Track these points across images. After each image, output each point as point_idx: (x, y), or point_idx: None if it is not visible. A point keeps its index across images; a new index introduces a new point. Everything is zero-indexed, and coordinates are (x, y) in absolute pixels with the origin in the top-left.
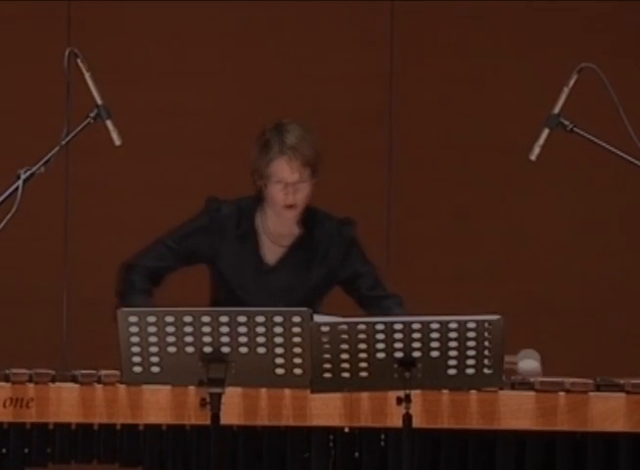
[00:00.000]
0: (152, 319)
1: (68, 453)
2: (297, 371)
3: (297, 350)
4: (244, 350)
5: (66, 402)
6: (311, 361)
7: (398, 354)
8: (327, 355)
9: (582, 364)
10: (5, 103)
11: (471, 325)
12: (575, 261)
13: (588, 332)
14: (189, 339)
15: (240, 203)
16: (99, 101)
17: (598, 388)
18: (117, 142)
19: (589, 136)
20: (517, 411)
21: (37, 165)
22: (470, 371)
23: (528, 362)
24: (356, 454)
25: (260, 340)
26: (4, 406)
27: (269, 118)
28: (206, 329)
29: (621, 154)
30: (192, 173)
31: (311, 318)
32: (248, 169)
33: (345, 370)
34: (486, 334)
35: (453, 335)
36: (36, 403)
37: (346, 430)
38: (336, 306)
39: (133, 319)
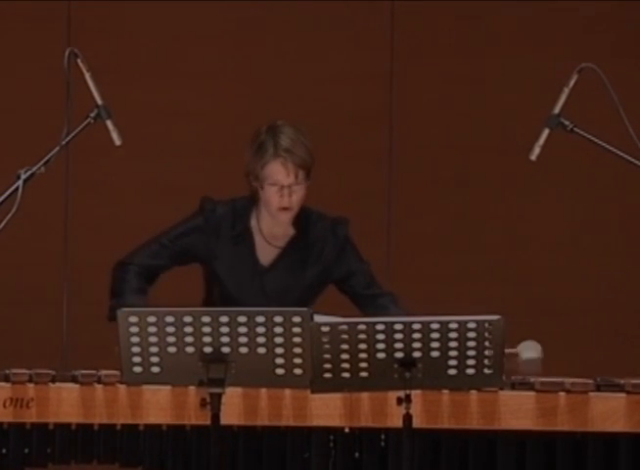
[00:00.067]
0: (152, 319)
1: (68, 454)
2: (298, 371)
3: (298, 350)
4: (244, 350)
5: (66, 403)
6: (311, 361)
7: (399, 355)
8: (327, 356)
9: (582, 364)
10: (5, 103)
11: (471, 325)
12: (575, 261)
13: (588, 332)
14: (189, 339)
15: (235, 203)
16: (99, 101)
17: (598, 388)
18: (117, 142)
19: (589, 136)
20: (517, 411)
21: (37, 165)
22: (470, 371)
23: (530, 352)
24: (356, 455)
25: (260, 340)
26: (4, 406)
27: (269, 119)
28: (207, 329)
29: (621, 154)
30: (192, 173)
31: (311, 318)
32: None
33: (346, 370)
34: (487, 334)
35: (453, 335)
36: (36, 404)
37: (347, 430)
38: (334, 306)
39: (133, 319)
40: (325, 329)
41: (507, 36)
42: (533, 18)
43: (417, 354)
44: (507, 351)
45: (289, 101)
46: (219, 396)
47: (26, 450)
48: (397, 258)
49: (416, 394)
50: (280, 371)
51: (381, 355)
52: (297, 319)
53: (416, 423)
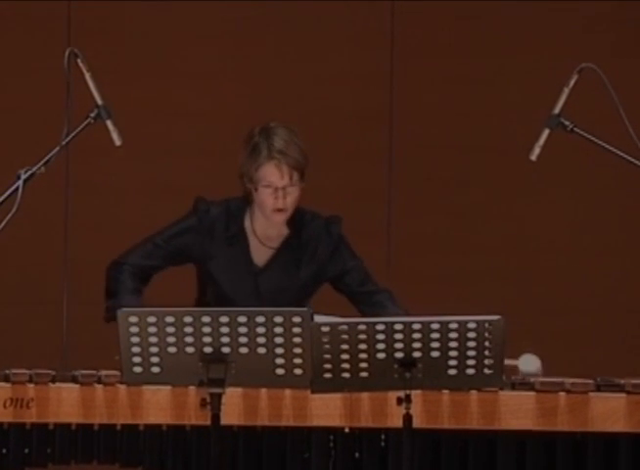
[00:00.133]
0: (152, 319)
1: (69, 454)
2: (298, 371)
3: (298, 350)
4: (244, 350)
5: (66, 403)
6: (311, 361)
7: (399, 355)
8: (327, 356)
9: (582, 364)
10: (5, 103)
11: (471, 325)
12: (575, 261)
13: (588, 332)
14: (189, 339)
15: (228, 204)
16: (99, 101)
17: (598, 388)
18: (117, 142)
19: (589, 136)
20: (517, 411)
21: (37, 165)
22: (470, 371)
23: (530, 366)
24: (356, 455)
25: (261, 340)
26: (4, 407)
27: (269, 119)
28: (207, 329)
29: (621, 154)
30: (192, 173)
31: (311, 318)
32: None
33: (346, 370)
34: (487, 334)
35: (453, 335)
36: (36, 404)
37: (347, 430)
38: (333, 306)
39: (133, 319)
40: (325, 329)
41: (507, 36)
42: (533, 18)
43: (417, 354)
44: (507, 362)
45: (289, 101)
46: (219, 396)
47: (26, 451)
48: (397, 258)
49: (416, 394)
50: (280, 371)
51: (381, 355)
52: (297, 319)
53: (416, 423)
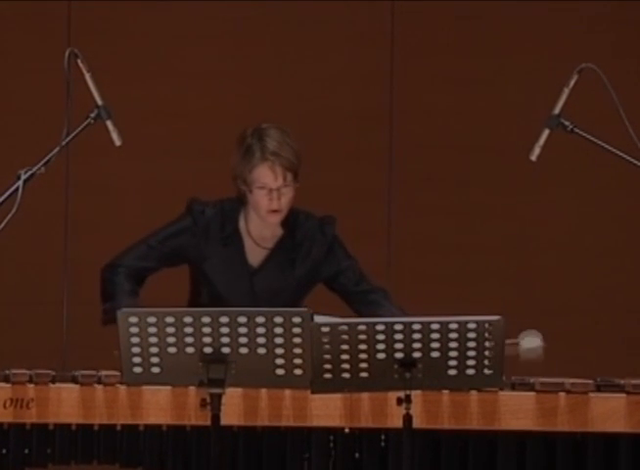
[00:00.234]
0: (152, 320)
1: (69, 454)
2: (298, 372)
3: (298, 350)
4: (244, 350)
5: (66, 403)
6: (311, 362)
7: (399, 355)
8: (327, 356)
9: (582, 364)
10: (5, 103)
11: (471, 325)
12: (575, 261)
13: (588, 332)
14: (189, 339)
15: (223, 205)
16: (99, 101)
17: (598, 388)
18: (117, 142)
19: (589, 136)
20: (517, 412)
21: (37, 166)
22: (470, 372)
23: (531, 342)
24: (356, 455)
25: (261, 340)
26: (4, 407)
27: (269, 119)
28: (207, 330)
29: (621, 154)
30: (192, 173)
31: (312, 319)
32: None
33: (346, 371)
34: (487, 334)
35: (453, 335)
36: (36, 404)
37: (347, 430)
38: (331, 306)
39: (133, 320)
40: (325, 329)
41: (507, 36)
42: (533, 18)
43: (417, 355)
44: (507, 341)
45: (289, 101)
46: (219, 396)
47: (26, 451)
48: (397, 258)
49: (416, 394)
50: (280, 371)
51: (381, 356)
52: (297, 320)
53: (416, 423)
